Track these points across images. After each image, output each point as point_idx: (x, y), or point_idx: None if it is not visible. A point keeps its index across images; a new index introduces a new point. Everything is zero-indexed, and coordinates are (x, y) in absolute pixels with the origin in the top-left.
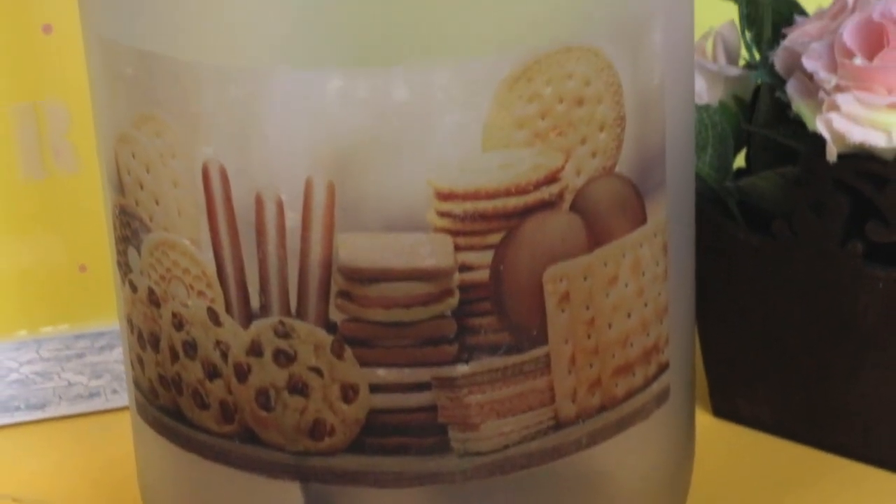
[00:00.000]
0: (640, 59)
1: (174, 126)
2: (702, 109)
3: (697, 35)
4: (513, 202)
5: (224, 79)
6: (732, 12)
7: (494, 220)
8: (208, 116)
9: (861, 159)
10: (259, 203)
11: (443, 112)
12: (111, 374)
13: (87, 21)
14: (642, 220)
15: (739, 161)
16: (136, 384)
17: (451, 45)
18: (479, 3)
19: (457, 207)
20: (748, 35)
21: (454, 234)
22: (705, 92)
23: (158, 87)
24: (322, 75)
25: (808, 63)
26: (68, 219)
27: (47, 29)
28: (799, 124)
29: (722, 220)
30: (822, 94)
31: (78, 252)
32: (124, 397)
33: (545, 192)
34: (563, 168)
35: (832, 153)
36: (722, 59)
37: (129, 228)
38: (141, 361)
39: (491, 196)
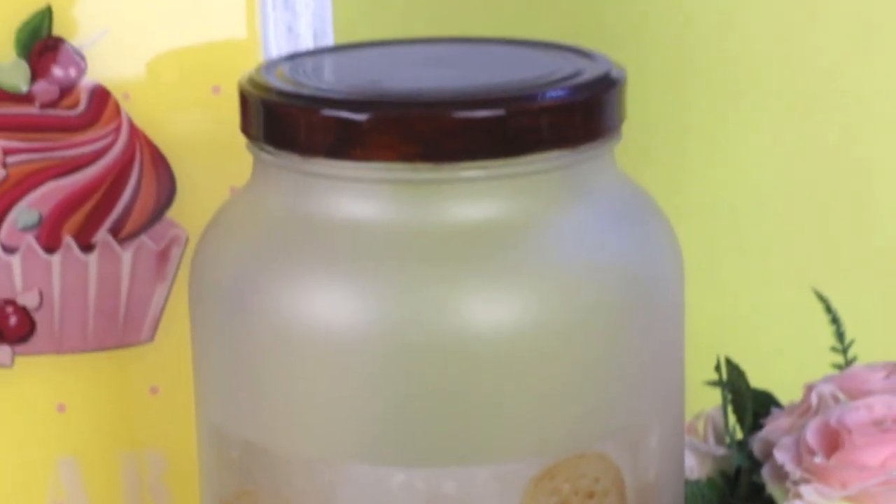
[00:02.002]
0: (639, 459)
1: (268, 502)
2: (692, 484)
3: (689, 416)
4: None
5: (310, 469)
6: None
7: None
8: (296, 497)
9: None
10: None
11: (482, 502)
12: None
13: (201, 409)
14: None
15: None
16: None
17: (490, 452)
18: (514, 423)
19: None
20: (732, 419)
21: None
22: (696, 467)
23: (257, 470)
24: (388, 471)
25: (779, 455)
26: None
27: (154, 390)
28: (773, 502)
29: None
30: (789, 482)
31: None
32: None
33: None
34: None
35: None
36: (711, 439)
37: None
38: None
39: None
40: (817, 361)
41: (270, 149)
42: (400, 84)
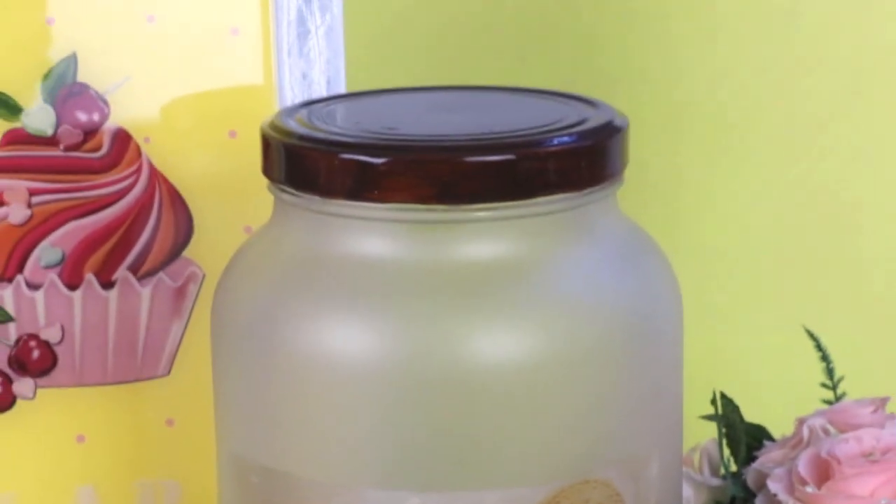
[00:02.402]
0: (641, 487)
1: None
2: None
3: (685, 449)
4: None
5: (328, 493)
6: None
7: None
8: None
9: None
10: None
11: None
12: None
13: (222, 437)
14: None
15: None
16: None
17: (499, 478)
18: (522, 451)
19: None
20: (726, 452)
21: None
22: (693, 497)
23: (277, 494)
24: (402, 495)
25: (772, 485)
26: None
27: (170, 422)
28: None
29: None
30: None
31: None
32: None
33: None
34: None
35: None
36: (706, 470)
37: None
38: None
39: None
40: (808, 397)
41: (291, 190)
42: (414, 129)
